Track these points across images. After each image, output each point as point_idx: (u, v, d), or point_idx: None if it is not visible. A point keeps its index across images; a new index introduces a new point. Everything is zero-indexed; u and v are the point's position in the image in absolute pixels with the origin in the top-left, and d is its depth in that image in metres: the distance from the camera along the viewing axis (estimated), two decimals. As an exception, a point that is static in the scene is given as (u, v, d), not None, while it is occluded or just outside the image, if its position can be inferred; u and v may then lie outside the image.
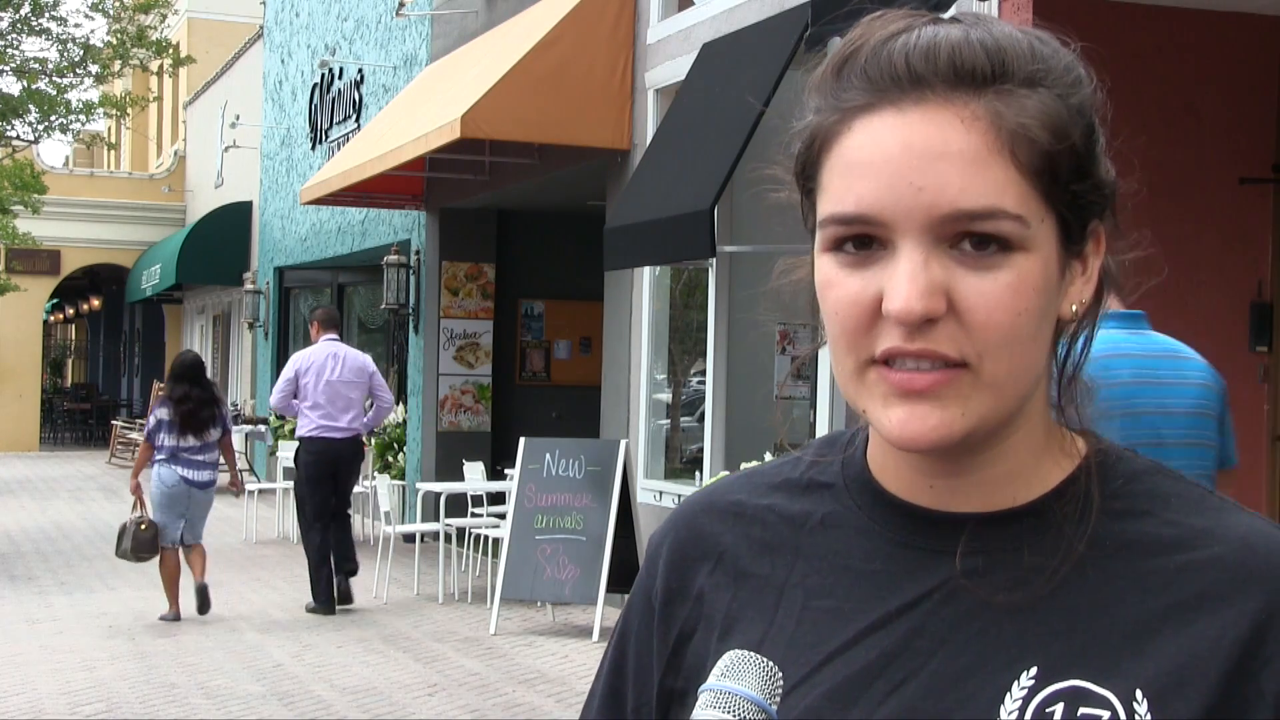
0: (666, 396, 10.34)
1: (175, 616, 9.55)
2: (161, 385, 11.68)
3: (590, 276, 11.29)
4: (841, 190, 0.97)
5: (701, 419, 9.58)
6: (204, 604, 9.47)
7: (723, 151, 7.55)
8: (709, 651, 1.08)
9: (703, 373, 9.56)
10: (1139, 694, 0.95)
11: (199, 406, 9.54)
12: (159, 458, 9.48)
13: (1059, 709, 0.96)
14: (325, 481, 10.00)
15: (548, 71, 9.93)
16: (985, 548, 1.02)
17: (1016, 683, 0.97)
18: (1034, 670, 0.97)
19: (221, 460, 9.93)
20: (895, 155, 0.95)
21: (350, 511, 10.45)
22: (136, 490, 9.61)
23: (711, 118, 8.04)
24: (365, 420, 10.29)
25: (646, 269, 9.69)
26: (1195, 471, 3.56)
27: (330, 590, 9.94)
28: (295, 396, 10.03)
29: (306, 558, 10.10)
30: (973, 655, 0.99)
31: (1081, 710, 0.95)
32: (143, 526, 9.42)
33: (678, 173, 8.08)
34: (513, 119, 9.97)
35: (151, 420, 9.64)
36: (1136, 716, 0.94)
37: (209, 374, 9.92)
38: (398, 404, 15.16)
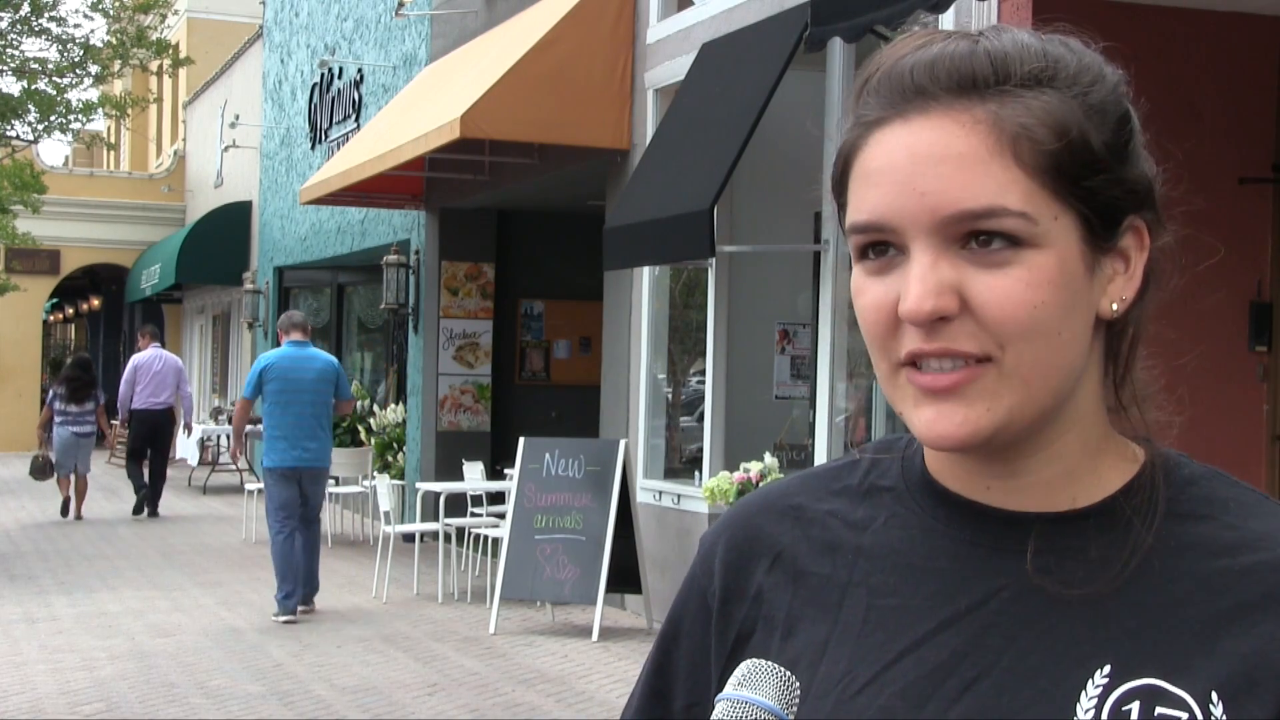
0: (667, 395, 10.33)
1: (65, 510, 15.89)
2: None
3: (590, 276, 11.29)
4: (859, 201, 1.01)
5: (701, 419, 9.57)
6: (73, 516, 15.72)
7: (722, 151, 7.54)
8: (770, 651, 1.08)
9: (702, 372, 9.55)
10: (1214, 695, 0.95)
11: (84, 385, 15.67)
12: (58, 420, 15.51)
13: (1135, 707, 0.96)
14: (145, 436, 16.06)
15: (548, 71, 9.92)
16: (1053, 545, 1.03)
17: (1091, 680, 0.98)
18: (1107, 668, 0.98)
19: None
20: (901, 163, 0.98)
21: (168, 469, 16.51)
22: (41, 435, 16.20)
23: (711, 118, 8.03)
24: (183, 407, 16.69)
25: (646, 269, 9.68)
26: (324, 400, 9.78)
27: (143, 505, 16.12)
28: (134, 386, 15.86)
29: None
30: (1045, 652, 1.00)
31: (1159, 710, 0.96)
32: (40, 459, 15.96)
33: (677, 173, 8.08)
34: (512, 119, 9.96)
35: (51, 393, 15.78)
36: (1213, 718, 0.95)
37: (97, 370, 16.69)
38: (397, 403, 15.18)
